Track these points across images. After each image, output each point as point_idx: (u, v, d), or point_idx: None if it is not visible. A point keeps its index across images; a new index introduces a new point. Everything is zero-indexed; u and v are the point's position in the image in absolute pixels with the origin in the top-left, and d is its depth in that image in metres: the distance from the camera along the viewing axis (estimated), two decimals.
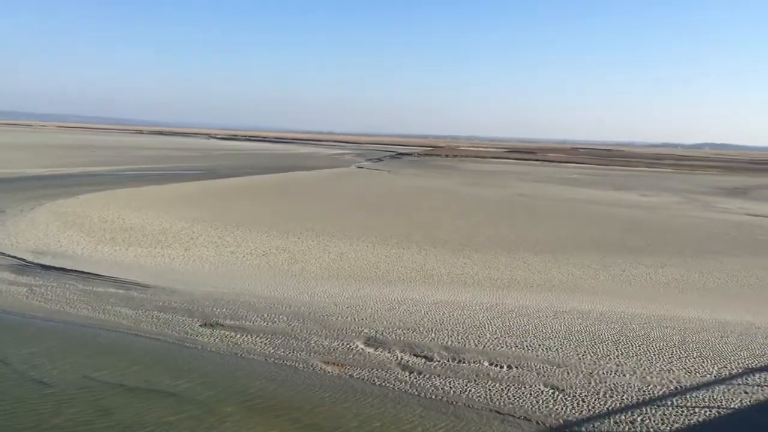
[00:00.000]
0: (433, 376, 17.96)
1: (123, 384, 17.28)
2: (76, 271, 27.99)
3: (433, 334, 21.18)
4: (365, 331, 21.54)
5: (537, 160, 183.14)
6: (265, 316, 22.86)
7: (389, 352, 19.83)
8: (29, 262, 29.30)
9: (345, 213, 48.81)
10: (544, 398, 16.43)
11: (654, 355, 19.51)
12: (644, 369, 18.38)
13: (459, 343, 20.44)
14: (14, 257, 30.09)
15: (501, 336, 21.05)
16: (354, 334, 21.30)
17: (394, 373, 18.29)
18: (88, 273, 27.67)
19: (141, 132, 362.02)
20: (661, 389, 16.97)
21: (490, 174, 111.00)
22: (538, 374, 18.00)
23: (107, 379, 17.59)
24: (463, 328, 21.81)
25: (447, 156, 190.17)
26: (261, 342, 20.57)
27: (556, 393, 16.74)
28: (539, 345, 20.28)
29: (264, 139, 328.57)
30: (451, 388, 17.17)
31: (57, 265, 28.79)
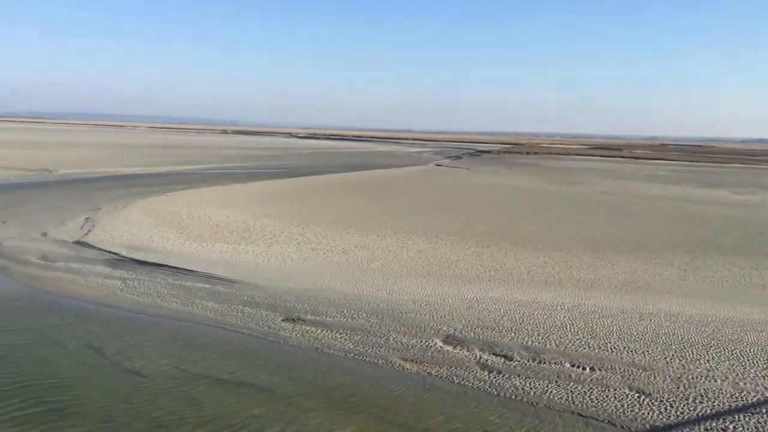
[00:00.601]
0: (513, 376, 17.78)
1: (212, 376, 17.93)
2: (166, 265, 29.20)
3: (512, 334, 20.94)
4: (444, 328, 21.53)
5: (623, 157, 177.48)
6: (345, 312, 23.20)
7: (468, 350, 19.75)
8: (123, 257, 30.78)
9: (423, 211, 48.86)
10: (629, 402, 15.98)
11: (748, 360, 18.62)
12: (737, 374, 17.57)
13: (539, 343, 20.14)
14: (109, 252, 31.67)
15: (583, 337, 20.59)
16: (432, 331, 21.33)
17: (473, 371, 18.21)
18: (177, 268, 28.82)
19: (225, 132, 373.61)
20: (755, 396, 16.19)
21: (572, 171, 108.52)
22: (622, 377, 17.52)
23: (197, 371, 18.31)
24: (543, 328, 21.47)
25: (528, 153, 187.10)
26: (341, 337, 20.90)
27: (642, 397, 16.25)
28: (624, 347, 19.72)
29: (343, 138, 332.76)
30: (531, 388, 16.95)
31: (149, 260, 30.12)
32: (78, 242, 33.67)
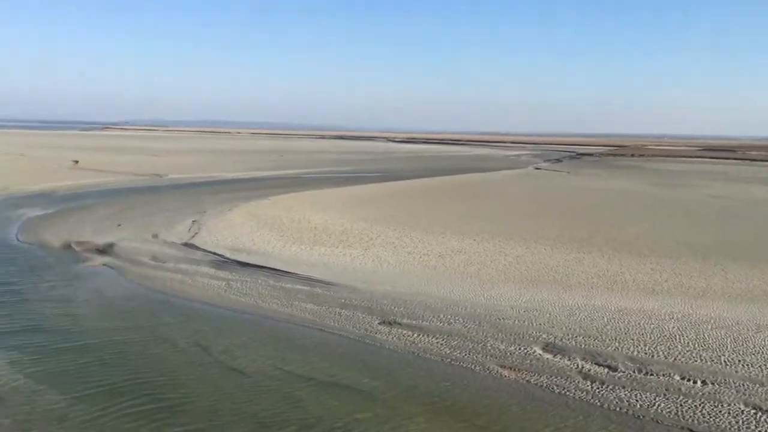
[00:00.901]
0: (617, 388, 17.06)
1: (312, 377, 18.25)
2: (267, 267, 30.04)
3: (616, 343, 20.12)
4: (543, 336, 20.98)
5: (737, 158, 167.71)
6: (442, 316, 23.04)
7: (569, 359, 19.14)
8: (227, 258, 31.91)
9: (521, 215, 47.96)
10: (745, 419, 14.99)
11: None
12: None
13: (646, 354, 19.23)
14: (214, 253, 32.92)
15: (694, 348, 19.50)
16: (531, 338, 20.82)
17: (574, 381, 17.62)
18: (277, 270, 29.58)
19: (323, 137, 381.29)
20: None
21: (680, 174, 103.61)
22: (737, 392, 16.46)
23: (298, 372, 18.67)
24: (650, 338, 20.50)
25: (632, 156, 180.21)
26: (437, 342, 20.76)
27: (759, 414, 15.19)
28: (739, 360, 18.53)
29: (441, 142, 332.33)
30: (637, 401, 16.20)
31: (251, 262, 31.08)
32: (185, 244, 35.23)
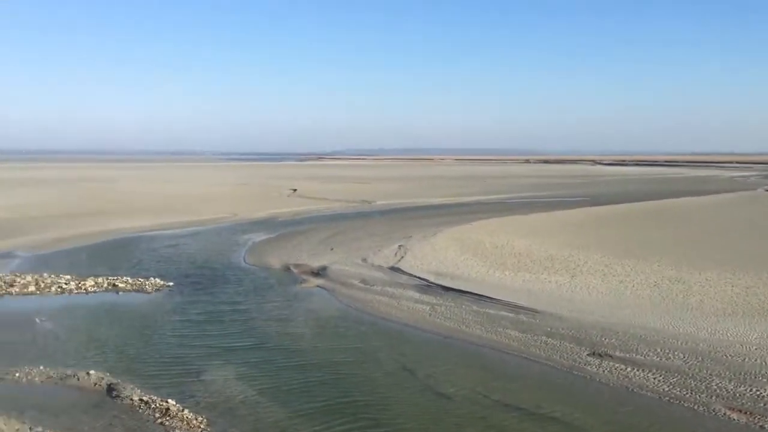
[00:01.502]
0: None
1: (518, 407, 17.80)
2: (470, 292, 30.04)
3: None
4: None
5: None
6: (659, 350, 21.38)
7: None
8: (431, 283, 32.44)
9: (749, 241, 43.34)
10: None
11: None
12: None
13: None
14: (419, 277, 33.65)
15: None
16: (765, 379, 18.58)
17: None
18: (481, 295, 29.47)
19: (528, 161, 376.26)
20: None
21: None
22: None
23: (503, 401, 18.33)
24: None
25: None
26: (654, 378, 19.27)
27: None
28: None
29: (654, 164, 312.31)
30: None
31: (454, 287, 31.30)
32: (392, 268, 36.42)
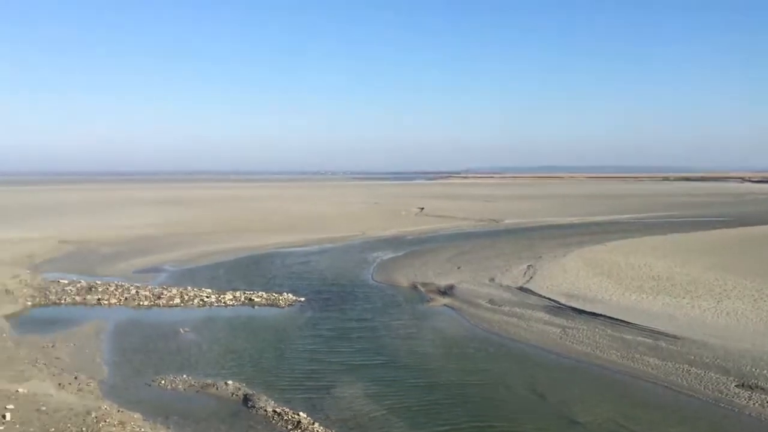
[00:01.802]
0: None
1: None
2: (604, 316, 28.76)
3: None
4: None
5: None
6: None
7: None
8: (561, 304, 31.38)
9: None
10: None
11: None
12: None
13: None
14: (549, 299, 32.65)
15: None
16: None
17: None
18: (616, 319, 28.12)
19: (667, 179, 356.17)
20: None
21: None
22: None
23: None
24: None
25: None
26: None
27: None
28: None
29: None
30: None
31: (586, 309, 30.09)
32: (520, 288, 35.61)
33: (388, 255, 51.63)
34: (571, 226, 76.60)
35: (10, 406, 17.86)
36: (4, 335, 26.77)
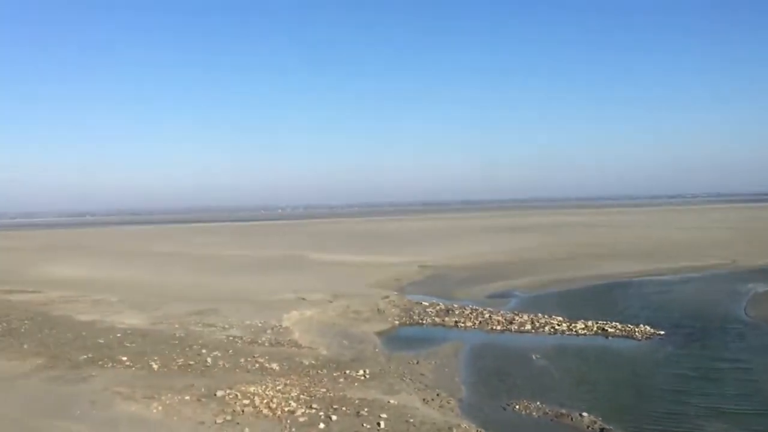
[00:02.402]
0: None
1: None
2: None
3: None
4: None
5: None
6: None
7: None
8: None
9: None
10: None
11: None
12: None
13: None
14: None
15: None
16: None
17: None
18: None
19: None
20: None
21: None
22: None
23: None
24: None
25: None
26: None
27: None
28: None
29: None
30: None
31: None
32: None
33: (764, 287, 44.86)
34: None
35: (384, 416, 19.65)
36: (377, 350, 29.78)
